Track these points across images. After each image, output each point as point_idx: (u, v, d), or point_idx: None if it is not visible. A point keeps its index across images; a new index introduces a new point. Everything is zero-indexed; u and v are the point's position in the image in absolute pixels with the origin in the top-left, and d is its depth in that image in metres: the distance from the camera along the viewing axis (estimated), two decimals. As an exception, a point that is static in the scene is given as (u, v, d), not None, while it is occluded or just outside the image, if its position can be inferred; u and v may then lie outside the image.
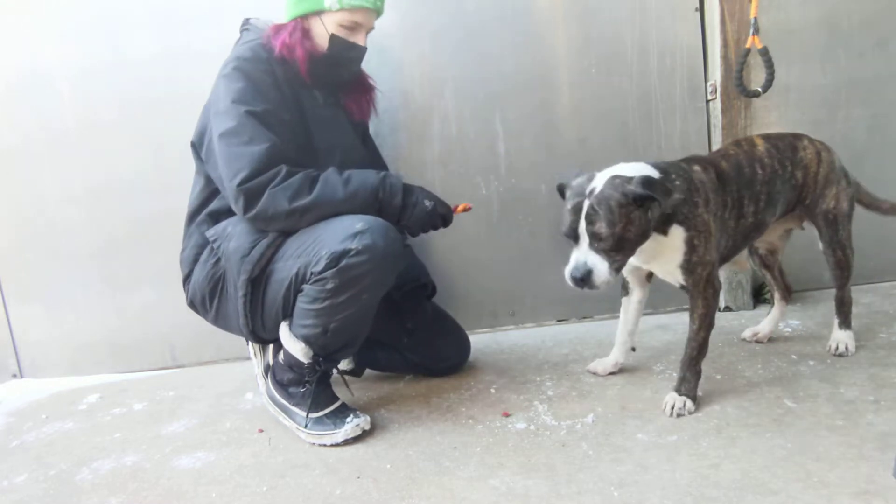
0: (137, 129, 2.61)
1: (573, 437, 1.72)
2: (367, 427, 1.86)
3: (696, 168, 1.80)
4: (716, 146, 2.54)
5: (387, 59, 2.58)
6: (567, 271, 1.63)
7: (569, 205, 1.64)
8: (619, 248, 1.61)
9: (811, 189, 1.99)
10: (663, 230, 1.72)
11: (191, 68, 2.50)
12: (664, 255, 1.77)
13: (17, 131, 2.63)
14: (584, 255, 1.61)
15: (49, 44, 2.58)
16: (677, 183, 1.70)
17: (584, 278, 1.60)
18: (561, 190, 1.74)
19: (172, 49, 2.57)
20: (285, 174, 1.78)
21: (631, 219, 1.59)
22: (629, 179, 1.60)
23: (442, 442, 1.78)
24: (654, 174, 1.66)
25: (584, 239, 1.61)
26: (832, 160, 2.01)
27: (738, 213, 1.86)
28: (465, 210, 1.97)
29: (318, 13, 1.92)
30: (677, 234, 1.73)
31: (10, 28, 2.58)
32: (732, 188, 1.84)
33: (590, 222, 1.59)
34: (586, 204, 1.59)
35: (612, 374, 2.09)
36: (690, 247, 1.74)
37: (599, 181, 1.63)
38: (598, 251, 1.60)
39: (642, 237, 1.65)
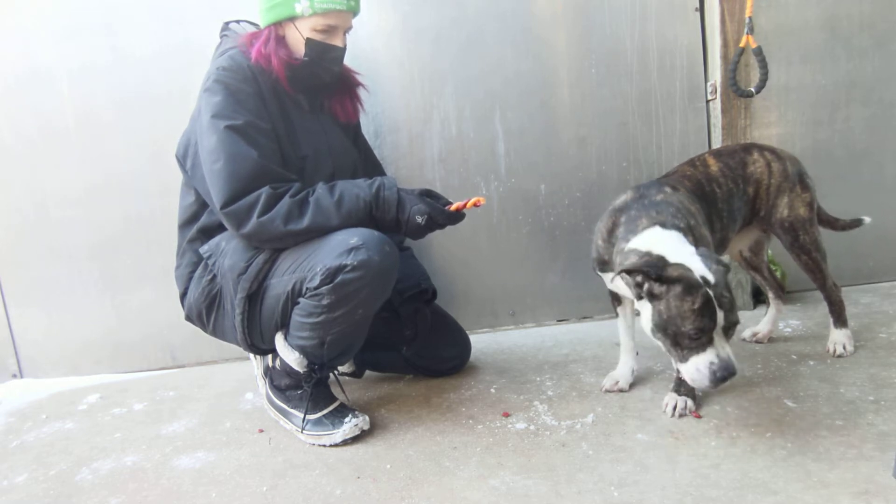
0: (137, 128, 2.61)
1: (573, 437, 1.72)
2: (366, 427, 1.86)
3: (668, 189, 1.79)
4: (716, 146, 2.54)
5: (387, 58, 2.58)
6: (712, 371, 1.49)
7: (696, 303, 1.48)
8: None
9: (764, 202, 2.01)
10: None
11: (190, 65, 2.50)
12: None
13: (16, 130, 2.63)
14: (725, 350, 1.52)
15: (48, 42, 2.58)
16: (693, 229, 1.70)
17: (734, 372, 1.51)
18: (654, 272, 1.53)
19: (171, 46, 2.57)
20: (268, 197, 1.74)
21: None
22: (723, 267, 1.55)
23: (442, 442, 1.78)
24: (687, 239, 1.63)
25: (720, 332, 1.52)
26: (783, 169, 2.01)
27: (710, 227, 1.89)
28: (476, 205, 1.87)
29: (292, 19, 1.87)
30: None
31: (9, 27, 2.58)
32: (702, 205, 1.87)
33: (728, 309, 1.50)
34: (712, 293, 1.48)
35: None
36: None
37: (696, 265, 1.52)
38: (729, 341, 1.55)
39: None
